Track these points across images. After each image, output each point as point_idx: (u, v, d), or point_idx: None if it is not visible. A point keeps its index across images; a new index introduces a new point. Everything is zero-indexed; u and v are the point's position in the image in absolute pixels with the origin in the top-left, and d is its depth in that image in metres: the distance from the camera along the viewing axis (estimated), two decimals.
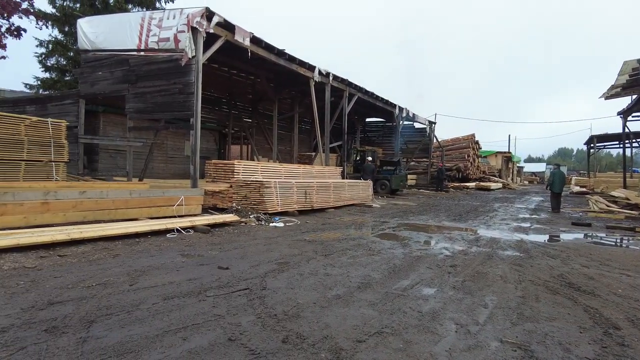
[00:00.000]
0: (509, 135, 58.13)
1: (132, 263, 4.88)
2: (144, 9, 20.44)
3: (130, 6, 20.46)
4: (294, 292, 4.03)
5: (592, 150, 38.06)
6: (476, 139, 33.54)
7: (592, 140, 36.34)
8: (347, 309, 3.60)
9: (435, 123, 29.94)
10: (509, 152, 48.99)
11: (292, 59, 14.30)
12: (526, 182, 56.70)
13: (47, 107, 15.12)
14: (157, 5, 21.21)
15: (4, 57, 19.39)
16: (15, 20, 19.37)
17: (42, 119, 10.06)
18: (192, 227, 7.47)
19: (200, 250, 5.89)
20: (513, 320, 3.48)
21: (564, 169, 41.83)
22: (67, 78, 20.47)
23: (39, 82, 20.30)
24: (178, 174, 17.13)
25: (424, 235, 8.24)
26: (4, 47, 18.88)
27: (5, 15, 18.83)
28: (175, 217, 8.44)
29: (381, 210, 12.78)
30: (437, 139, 30.36)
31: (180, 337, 2.86)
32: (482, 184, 31.91)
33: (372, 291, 4.19)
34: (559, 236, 8.81)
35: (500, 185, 35.54)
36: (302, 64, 14.94)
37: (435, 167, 28.09)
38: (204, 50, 10.77)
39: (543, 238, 8.50)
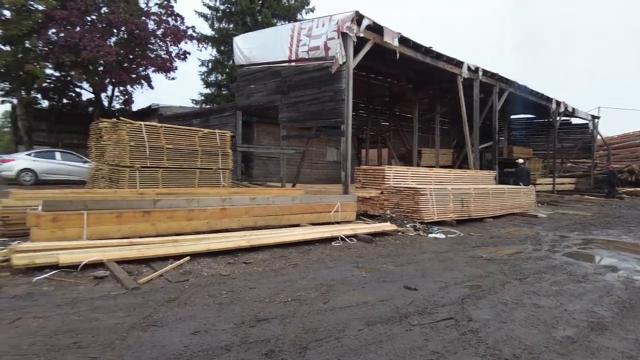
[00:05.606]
0: None
1: (315, 275, 4.76)
2: (287, 22, 21.67)
3: (275, 20, 21.84)
4: (509, 328, 3.37)
5: None
6: None
7: None
8: None
9: (599, 118, 25.61)
10: None
11: (439, 56, 13.45)
12: None
13: (209, 119, 16.87)
14: (299, 16, 22.23)
15: (174, 78, 22.42)
16: (182, 45, 22.23)
17: (211, 130, 11.08)
18: (355, 236, 7.27)
19: (372, 262, 5.57)
20: None
21: None
22: (224, 92, 22.77)
23: (202, 97, 23.00)
24: (321, 179, 17.56)
25: (631, 257, 6.70)
26: (174, 69, 21.82)
27: (175, 42, 21.72)
28: (332, 223, 8.40)
29: (550, 221, 11.08)
30: (601, 136, 25.94)
31: None
32: None
33: (614, 336, 3.30)
34: None
35: None
36: (449, 60, 13.97)
37: (602, 168, 23.93)
38: (353, 56, 10.66)
39: None
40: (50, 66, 20.08)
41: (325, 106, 11.09)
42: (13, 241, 5.63)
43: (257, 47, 13.98)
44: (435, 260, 5.92)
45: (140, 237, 5.93)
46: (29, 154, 16.98)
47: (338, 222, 8.56)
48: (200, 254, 5.40)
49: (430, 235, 8.30)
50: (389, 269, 5.25)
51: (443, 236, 8.22)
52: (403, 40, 11.72)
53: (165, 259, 5.06)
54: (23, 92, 20.69)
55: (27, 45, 19.08)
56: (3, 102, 22.31)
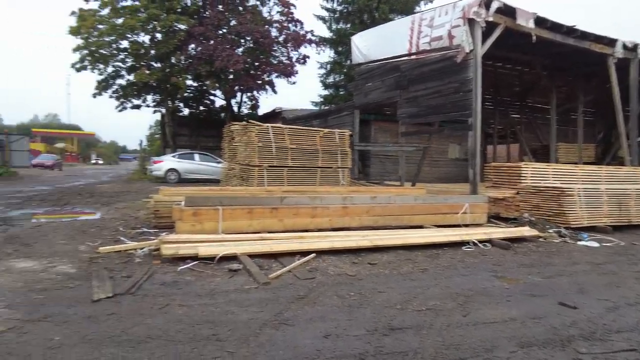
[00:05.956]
0: None
1: (448, 283, 4.32)
2: (405, 16, 21.09)
3: (392, 16, 21.42)
4: None
5: None
6: None
7: None
8: None
9: None
10: None
11: (584, 35, 11.59)
12: None
13: (328, 119, 17.20)
14: (417, 9, 21.47)
15: (294, 83, 23.44)
16: (302, 50, 23.13)
17: (331, 130, 11.20)
18: (489, 241, 6.55)
19: (514, 272, 4.89)
20: None
21: None
22: (342, 92, 23.14)
23: (321, 99, 23.72)
24: (441, 178, 16.63)
25: None
26: (295, 73, 22.80)
27: (296, 47, 22.67)
28: (459, 226, 7.74)
29: None
30: None
31: None
32: None
33: None
34: None
35: None
36: (598, 39, 11.97)
37: None
38: (482, 42, 9.74)
39: None
40: (190, 77, 22.65)
41: (449, 99, 10.36)
42: (162, 232, 6.30)
43: (375, 43, 13.76)
44: (594, 274, 4.97)
45: (269, 232, 6.13)
46: (174, 156, 19.37)
47: (466, 225, 7.86)
48: (325, 251, 5.35)
49: (579, 242, 7.11)
50: (535, 281, 4.53)
51: (597, 244, 6.97)
52: (539, 21, 10.36)
53: (292, 254, 5.11)
54: (169, 102, 23.72)
55: (172, 60, 21.81)
56: (155, 111, 25.90)
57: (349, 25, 22.05)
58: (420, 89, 11.39)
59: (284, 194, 7.53)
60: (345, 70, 22.37)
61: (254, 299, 3.62)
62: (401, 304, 3.60)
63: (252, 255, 4.94)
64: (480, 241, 6.42)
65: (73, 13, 21.39)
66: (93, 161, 67.85)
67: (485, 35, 9.84)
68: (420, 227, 7.55)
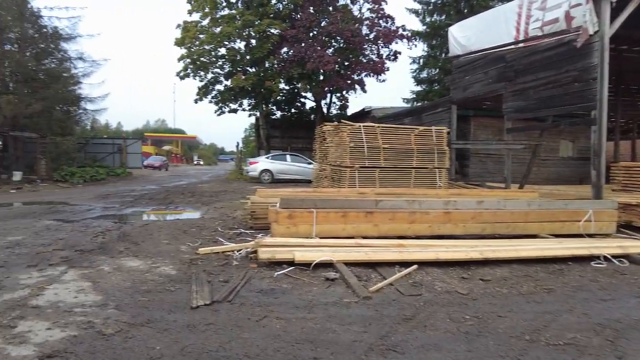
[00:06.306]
0: None
1: (585, 309, 3.58)
2: (504, 2, 19.30)
3: (492, 2, 19.81)
4: None
5: None
6: None
7: None
8: None
9: None
10: None
11: None
12: None
13: (421, 117, 16.38)
14: None
15: (384, 80, 22.84)
16: (392, 46, 22.45)
17: (427, 127, 10.52)
18: (625, 256, 5.48)
19: None
20: None
21: None
22: (436, 87, 22.03)
23: (414, 95, 22.84)
24: (550, 179, 14.88)
25: None
26: (385, 71, 22.22)
27: (386, 43, 22.07)
28: (580, 236, 6.66)
29: None
30: None
31: None
32: None
33: None
34: None
35: None
36: None
37: None
38: (610, 22, 8.35)
39: None
40: (282, 81, 23.25)
41: (567, 90, 9.07)
42: (258, 233, 6.31)
43: (475, 33, 12.69)
44: None
45: (363, 237, 5.81)
46: (267, 157, 20.02)
47: (590, 235, 6.74)
48: (427, 262, 4.86)
49: None
50: None
51: None
52: None
53: (390, 264, 4.72)
54: (263, 106, 24.65)
55: (266, 65, 22.59)
56: (250, 115, 27.14)
57: (444, 17, 20.88)
58: (529, 80, 10.19)
59: (379, 197, 7.14)
60: (440, 64, 21.23)
61: (355, 315, 3.29)
62: (530, 334, 3.01)
63: (348, 263, 4.65)
64: (614, 256, 5.40)
65: (178, 26, 23.24)
66: (195, 162, 73.78)
67: (614, 13, 8.43)
68: (534, 236, 6.65)
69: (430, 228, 6.31)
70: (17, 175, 16.98)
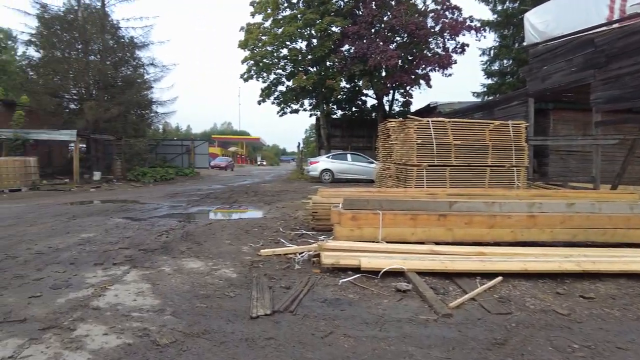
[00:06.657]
0: None
1: None
2: None
3: None
4: None
5: None
6: None
7: None
8: None
9: None
10: None
11: None
12: None
13: (493, 111, 15.22)
14: None
15: (450, 75, 21.71)
16: (459, 38, 21.23)
17: (504, 122, 9.61)
18: None
19: None
20: None
21: None
22: (509, 80, 20.53)
23: (484, 89, 21.45)
24: None
25: None
26: (452, 64, 21.08)
27: (453, 35, 20.93)
28: None
29: None
30: None
31: None
32: None
33: None
34: None
35: None
36: None
37: None
38: None
39: None
40: (343, 79, 22.91)
41: None
42: (320, 235, 6.00)
43: (556, 17, 11.49)
44: None
45: (435, 242, 5.28)
46: (328, 157, 19.78)
47: None
48: (512, 273, 4.23)
49: None
50: None
51: None
52: None
53: (469, 274, 4.16)
54: (324, 105, 24.48)
55: (327, 63, 22.37)
56: (311, 115, 27.14)
57: (517, 4, 19.33)
58: (625, 66, 8.96)
59: (451, 198, 6.52)
60: (513, 54, 19.70)
61: (434, 337, 2.83)
62: None
63: (421, 273, 4.17)
64: None
65: (242, 28, 23.75)
66: (258, 163, 75.95)
67: None
68: (638, 245, 5.69)
69: (513, 234, 5.61)
70: (97, 175, 18.24)
